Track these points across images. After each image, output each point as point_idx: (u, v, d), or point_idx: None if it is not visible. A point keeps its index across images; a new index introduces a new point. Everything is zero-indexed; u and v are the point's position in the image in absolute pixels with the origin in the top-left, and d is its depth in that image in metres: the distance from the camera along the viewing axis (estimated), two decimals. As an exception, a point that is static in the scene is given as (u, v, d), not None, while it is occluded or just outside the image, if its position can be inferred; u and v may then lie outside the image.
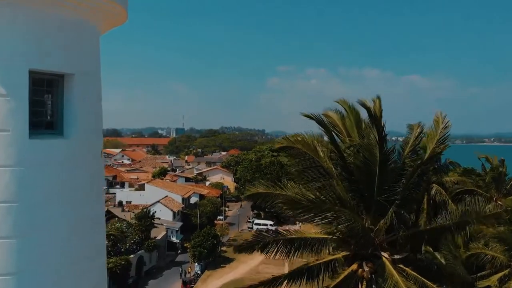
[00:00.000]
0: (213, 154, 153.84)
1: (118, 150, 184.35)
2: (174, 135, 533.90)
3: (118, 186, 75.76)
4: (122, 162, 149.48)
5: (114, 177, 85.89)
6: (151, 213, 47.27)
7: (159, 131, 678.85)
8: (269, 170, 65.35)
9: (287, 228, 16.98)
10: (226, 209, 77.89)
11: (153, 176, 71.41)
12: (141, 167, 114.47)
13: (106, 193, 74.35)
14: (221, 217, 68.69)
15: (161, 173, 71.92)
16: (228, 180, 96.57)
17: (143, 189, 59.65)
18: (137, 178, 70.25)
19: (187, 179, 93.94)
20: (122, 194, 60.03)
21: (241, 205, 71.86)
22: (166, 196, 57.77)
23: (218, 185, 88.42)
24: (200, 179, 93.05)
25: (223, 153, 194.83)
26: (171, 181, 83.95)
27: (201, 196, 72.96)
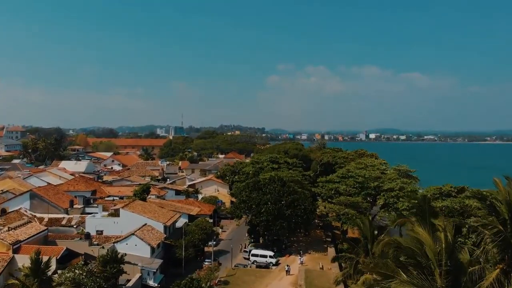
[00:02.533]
0: (210, 159, 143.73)
1: (109, 154, 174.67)
2: (172, 133, 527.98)
3: (95, 205, 65.93)
4: (111, 168, 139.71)
5: (94, 192, 76.14)
6: (120, 255, 37.43)
7: (158, 130, 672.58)
8: (269, 189, 55.48)
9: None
10: (220, 230, 68.05)
11: (135, 195, 61.57)
12: (129, 176, 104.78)
13: (81, 213, 64.77)
14: (212, 243, 58.89)
15: (144, 191, 62.09)
16: (223, 193, 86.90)
17: (118, 215, 49.78)
18: (113, 201, 60.30)
19: (178, 192, 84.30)
20: (93, 222, 50.20)
21: (245, 223, 61.71)
22: (145, 224, 47.95)
23: (212, 200, 78.77)
24: (191, 191, 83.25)
25: (221, 156, 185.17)
26: (157, 196, 74.31)
27: (190, 218, 63.28)
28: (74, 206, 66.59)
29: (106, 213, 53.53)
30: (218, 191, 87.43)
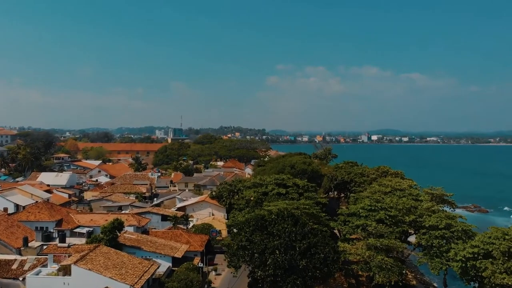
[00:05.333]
0: (206, 170, 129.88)
1: (97, 163, 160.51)
2: (171, 135, 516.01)
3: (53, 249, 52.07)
4: (97, 180, 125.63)
5: (59, 222, 62.19)
6: None
7: (157, 131, 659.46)
8: (277, 229, 41.62)
9: None
10: (214, 273, 54.19)
11: (102, 232, 47.87)
12: (111, 194, 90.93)
13: (39, 253, 50.99)
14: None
15: (115, 227, 48.34)
16: (219, 217, 73.16)
17: (70, 273, 36.03)
18: (67, 249, 46.17)
19: (164, 217, 70.66)
20: (36, 282, 36.64)
21: (233, 274, 47.30)
22: (105, 288, 34.26)
23: (205, 228, 64.95)
24: (181, 217, 69.40)
25: (219, 164, 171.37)
26: (137, 227, 60.54)
27: (174, 261, 49.61)
28: (30, 244, 52.87)
29: (58, 266, 39.65)
30: (213, 215, 73.73)
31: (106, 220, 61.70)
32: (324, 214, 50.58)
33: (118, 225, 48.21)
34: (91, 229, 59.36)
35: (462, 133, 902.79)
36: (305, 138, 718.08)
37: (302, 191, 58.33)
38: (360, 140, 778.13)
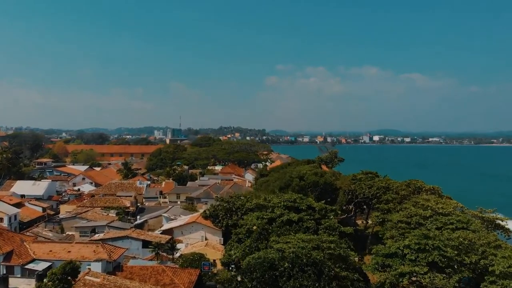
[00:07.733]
0: (201, 178, 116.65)
1: (84, 168, 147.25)
2: (170, 136, 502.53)
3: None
4: (79, 190, 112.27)
5: (9, 254, 48.67)
6: None
7: (156, 132, 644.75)
8: (293, 286, 28.56)
9: None
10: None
11: (50, 280, 34.90)
12: (88, 210, 77.68)
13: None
14: None
15: (68, 273, 35.27)
16: (213, 243, 59.99)
17: None
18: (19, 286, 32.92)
19: (145, 244, 57.48)
20: None
21: None
22: None
23: (195, 260, 51.62)
24: (165, 243, 56.28)
25: (217, 168, 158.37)
26: (108, 262, 47.20)
27: (150, 319, 36.43)
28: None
29: None
30: (206, 239, 60.62)
31: (69, 252, 49.01)
32: (353, 252, 37.43)
33: (70, 271, 34.99)
34: (48, 265, 46.18)
35: (463, 133, 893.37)
36: (306, 139, 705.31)
37: (319, 217, 45.14)
38: (362, 141, 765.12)
